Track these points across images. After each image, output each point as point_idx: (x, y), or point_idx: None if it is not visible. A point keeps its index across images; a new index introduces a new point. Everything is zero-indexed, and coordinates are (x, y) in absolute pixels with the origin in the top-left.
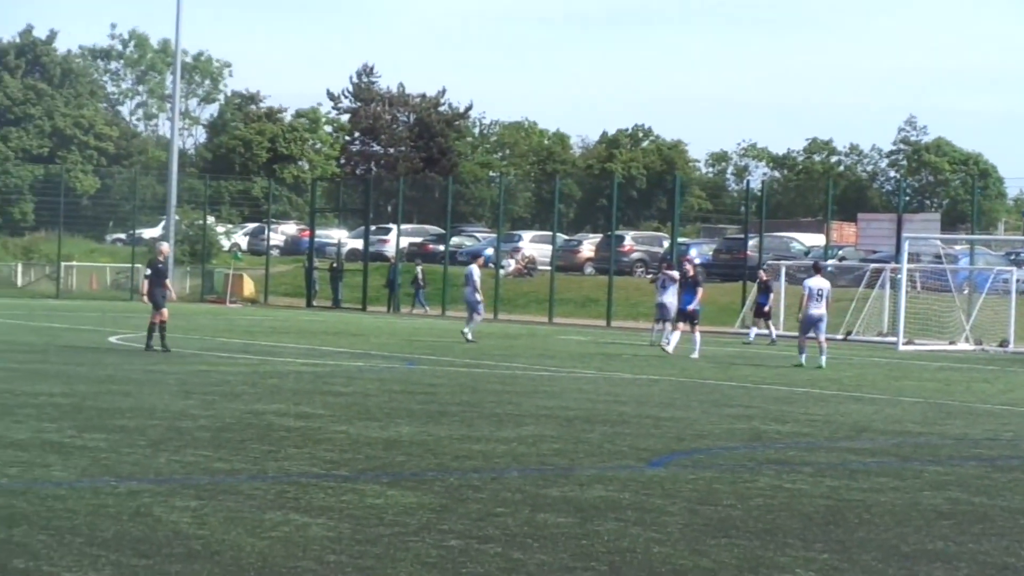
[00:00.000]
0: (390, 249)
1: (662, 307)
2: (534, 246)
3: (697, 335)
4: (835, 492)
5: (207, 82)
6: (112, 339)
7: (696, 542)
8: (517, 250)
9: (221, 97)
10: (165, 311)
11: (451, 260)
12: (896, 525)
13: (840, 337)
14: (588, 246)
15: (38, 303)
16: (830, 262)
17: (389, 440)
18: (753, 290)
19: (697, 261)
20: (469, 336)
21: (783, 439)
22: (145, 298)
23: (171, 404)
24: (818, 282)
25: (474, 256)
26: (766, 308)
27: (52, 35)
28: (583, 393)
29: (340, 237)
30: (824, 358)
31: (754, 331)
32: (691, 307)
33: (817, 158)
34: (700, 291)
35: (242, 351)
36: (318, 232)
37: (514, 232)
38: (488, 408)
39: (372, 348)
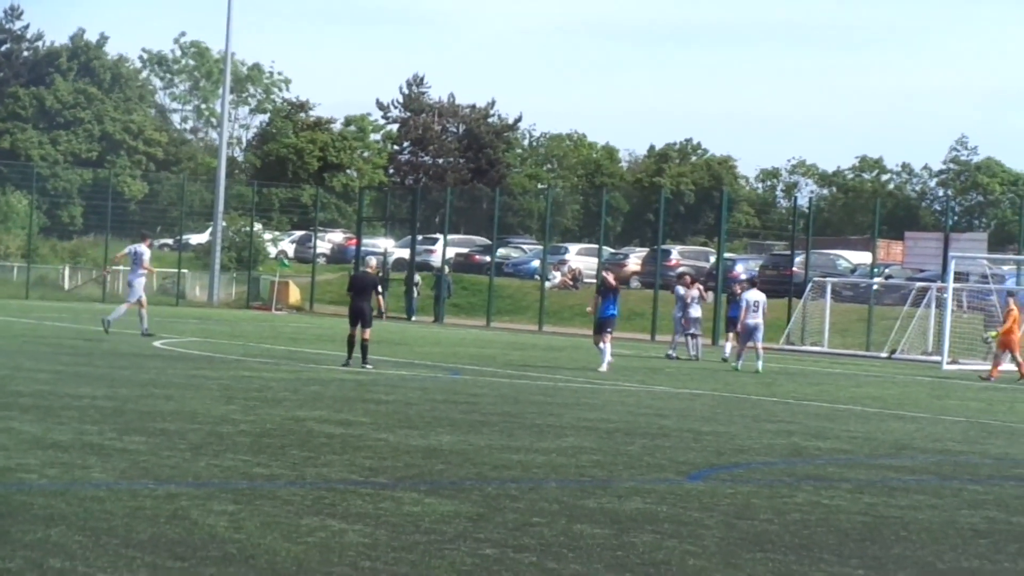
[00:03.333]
0: (436, 259)
1: (695, 322)
2: (580, 259)
3: (605, 344)
4: (873, 509)
5: (260, 92)
6: (156, 344)
7: (731, 555)
8: (563, 263)
9: (270, 106)
10: (368, 330)
11: (497, 271)
12: (932, 543)
13: (884, 355)
14: (634, 260)
15: (84, 306)
16: (876, 280)
17: (429, 448)
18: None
19: (743, 277)
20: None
21: (823, 455)
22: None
23: (212, 409)
24: (754, 295)
25: (679, 277)
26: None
27: (103, 39)
28: (625, 406)
29: (387, 246)
30: (760, 363)
31: (728, 345)
32: (610, 314)
33: (867, 176)
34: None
35: (286, 358)
36: (365, 241)
37: (561, 244)
38: (529, 419)
39: (416, 357)
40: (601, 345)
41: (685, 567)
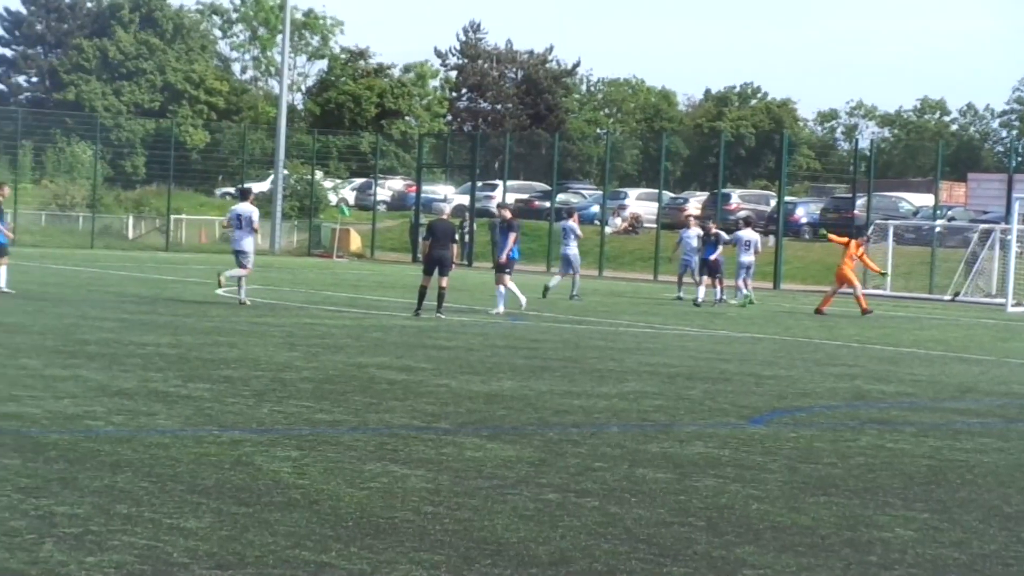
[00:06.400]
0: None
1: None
2: (640, 203)
3: (505, 287)
4: (937, 452)
5: (316, 39)
6: (219, 291)
7: (795, 500)
8: (623, 208)
9: (327, 52)
10: (446, 278)
11: (556, 217)
12: (999, 486)
13: (947, 298)
14: (695, 204)
15: (148, 255)
16: (939, 222)
17: (490, 394)
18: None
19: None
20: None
21: (886, 399)
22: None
23: (275, 356)
24: (748, 234)
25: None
26: (712, 259)
27: None
28: (686, 350)
29: (447, 193)
30: (751, 296)
31: (702, 290)
32: (505, 256)
33: (928, 117)
34: (511, 237)
35: (347, 305)
36: (425, 188)
37: (620, 189)
38: (590, 364)
39: (476, 303)
40: (500, 287)
41: (748, 511)
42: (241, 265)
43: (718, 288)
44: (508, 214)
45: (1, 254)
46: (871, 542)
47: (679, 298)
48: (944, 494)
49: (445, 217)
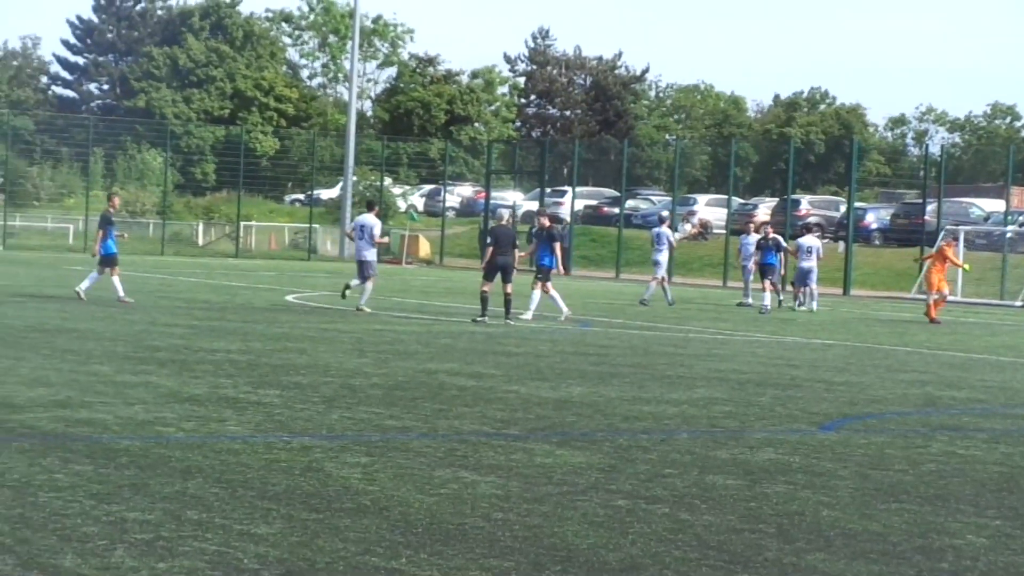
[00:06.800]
0: (565, 211)
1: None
2: (709, 210)
3: (553, 293)
4: (1010, 459)
5: (386, 46)
6: (289, 298)
7: (866, 506)
8: (692, 214)
9: (396, 59)
10: (510, 284)
11: (626, 223)
12: None
13: (1019, 304)
14: (764, 210)
15: (217, 262)
16: (1010, 227)
17: (560, 400)
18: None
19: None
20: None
21: (958, 405)
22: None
23: (345, 362)
24: (808, 240)
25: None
26: (766, 264)
27: None
28: (755, 357)
29: (515, 199)
30: (815, 303)
31: (767, 296)
32: (545, 263)
33: (999, 122)
34: (557, 247)
35: (416, 311)
36: (494, 194)
37: (689, 195)
38: (659, 370)
39: (545, 309)
40: (535, 291)
41: (819, 518)
42: (366, 277)
43: (772, 292)
44: (547, 221)
45: (113, 263)
46: (943, 549)
47: (749, 304)
48: (1016, 501)
49: (505, 223)
